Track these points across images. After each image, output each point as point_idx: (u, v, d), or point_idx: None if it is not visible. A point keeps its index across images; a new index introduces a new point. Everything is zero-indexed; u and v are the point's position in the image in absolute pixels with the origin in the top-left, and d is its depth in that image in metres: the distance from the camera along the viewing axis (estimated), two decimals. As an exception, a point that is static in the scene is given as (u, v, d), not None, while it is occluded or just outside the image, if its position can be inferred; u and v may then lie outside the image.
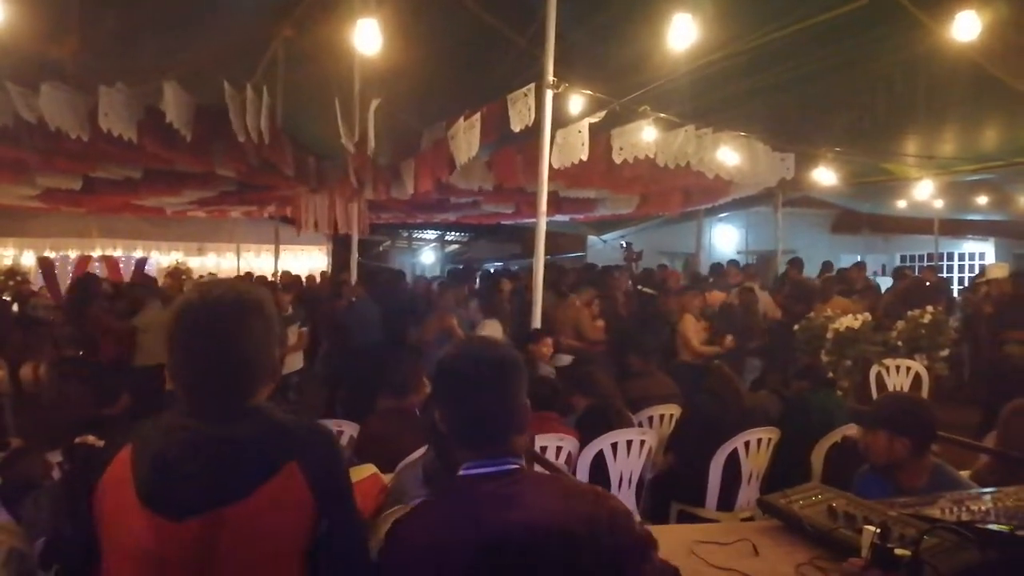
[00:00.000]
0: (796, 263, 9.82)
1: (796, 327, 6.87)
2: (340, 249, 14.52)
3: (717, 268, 10.25)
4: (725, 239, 15.59)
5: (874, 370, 6.43)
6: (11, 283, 13.51)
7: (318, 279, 13.24)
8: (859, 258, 15.42)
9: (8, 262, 13.77)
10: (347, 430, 4.62)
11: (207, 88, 5.80)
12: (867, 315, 6.68)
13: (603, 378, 4.80)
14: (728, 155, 6.32)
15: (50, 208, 10.46)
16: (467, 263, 22.47)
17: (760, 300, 8.33)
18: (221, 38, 7.51)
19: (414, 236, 26.87)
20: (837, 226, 15.91)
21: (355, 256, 8.41)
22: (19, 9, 3.61)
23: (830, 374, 5.87)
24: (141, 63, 6.68)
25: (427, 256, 27.95)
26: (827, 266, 10.42)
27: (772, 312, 8.22)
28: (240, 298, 1.54)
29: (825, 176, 7.51)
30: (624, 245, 14.91)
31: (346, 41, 6.47)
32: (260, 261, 14.49)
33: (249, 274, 12.05)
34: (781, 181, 7.41)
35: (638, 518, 1.80)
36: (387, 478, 3.50)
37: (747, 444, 4.38)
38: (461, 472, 1.64)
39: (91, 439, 2.79)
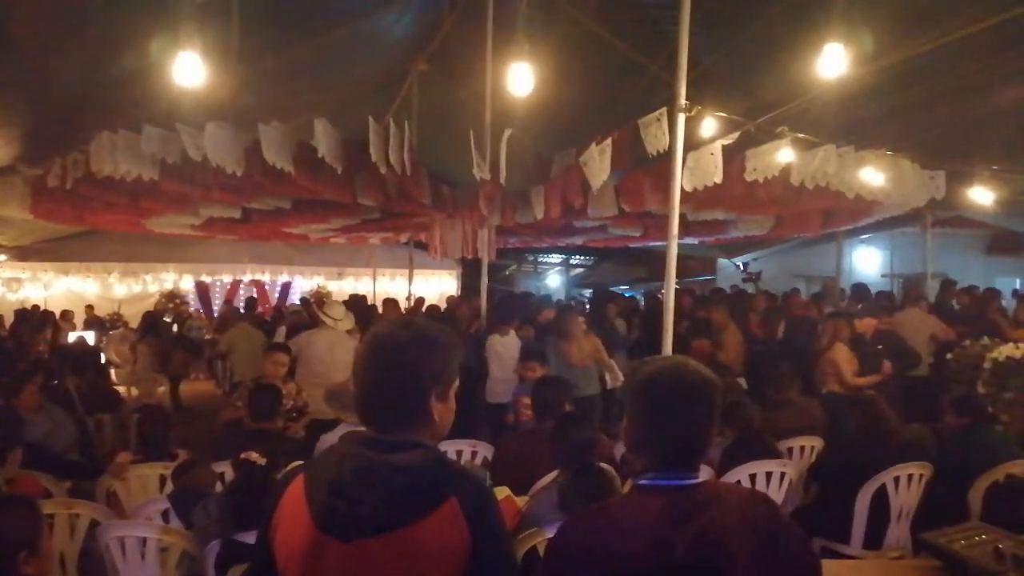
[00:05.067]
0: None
1: (949, 355, 6.43)
2: (469, 274, 14.88)
3: (860, 289, 9.78)
4: (867, 262, 14.77)
5: (1040, 404, 5.91)
6: (171, 305, 14.72)
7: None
8: (1018, 282, 14.29)
9: (169, 286, 15.00)
10: (481, 451, 4.74)
11: (348, 122, 6.14)
12: (1030, 343, 6.17)
13: (750, 410, 4.68)
14: (872, 174, 6.03)
15: (207, 236, 11.33)
16: (591, 287, 22.49)
17: (927, 323, 7.86)
18: (361, 74, 7.96)
19: (539, 260, 27.16)
20: (992, 247, 14.75)
21: (485, 281, 8.57)
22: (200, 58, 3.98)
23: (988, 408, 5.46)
24: (292, 101, 7.17)
25: (552, 280, 28.16)
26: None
27: (943, 334, 7.70)
28: (413, 334, 1.64)
29: (981, 195, 7.02)
30: (741, 266, 14.49)
31: (477, 72, 6.72)
32: (395, 285, 15.03)
33: (421, 300, 12.57)
34: (930, 201, 7.00)
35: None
36: (521, 500, 3.57)
37: (897, 480, 4.14)
38: (643, 482, 1.69)
39: (254, 455, 3.03)
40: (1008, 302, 9.59)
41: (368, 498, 1.51)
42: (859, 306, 8.67)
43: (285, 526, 1.59)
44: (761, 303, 9.46)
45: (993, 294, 8.92)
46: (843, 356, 6.62)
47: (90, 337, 11.61)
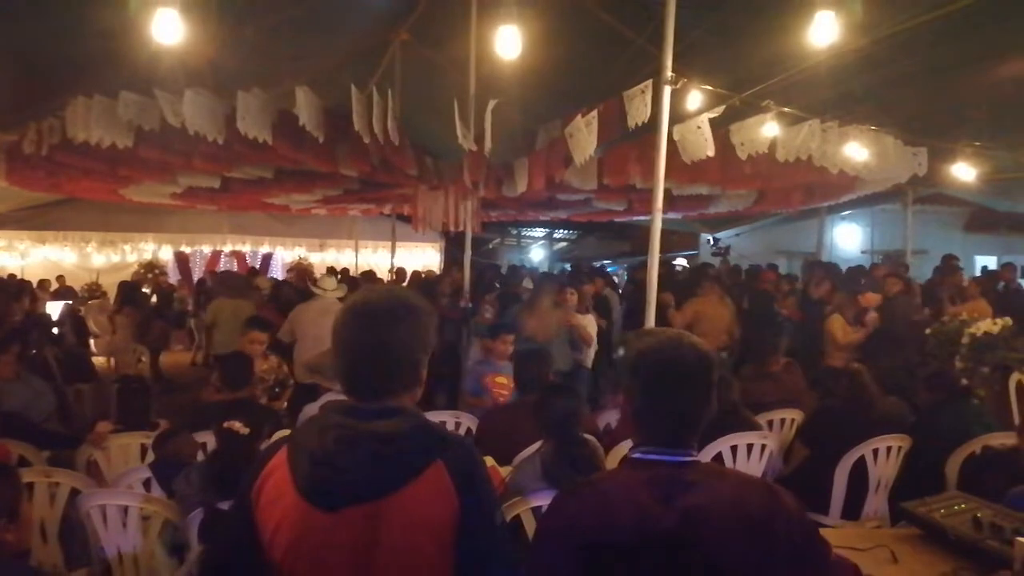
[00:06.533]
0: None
1: (928, 331, 6.52)
2: (452, 246, 14.81)
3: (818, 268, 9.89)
4: (848, 238, 14.90)
5: (1014, 379, 6.00)
6: (150, 276, 14.54)
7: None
8: (995, 259, 14.44)
9: (148, 256, 14.81)
10: (465, 422, 4.74)
11: (331, 91, 6.04)
12: (1007, 319, 6.26)
13: (731, 384, 4.69)
14: (855, 150, 6.04)
15: (186, 206, 11.16)
16: (575, 260, 22.52)
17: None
18: (343, 43, 7.84)
19: (522, 234, 27.13)
20: (971, 224, 14.89)
21: (468, 254, 8.53)
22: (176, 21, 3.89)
23: (963, 381, 5.54)
24: (273, 68, 7.06)
25: (535, 253, 28.15)
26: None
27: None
28: (392, 301, 1.62)
29: (963, 172, 7.05)
30: (711, 241, 14.60)
31: (460, 43, 6.65)
32: (377, 257, 14.94)
33: (402, 272, 12.48)
34: (912, 177, 7.03)
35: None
36: (504, 471, 3.58)
37: (875, 451, 4.20)
38: (636, 455, 1.68)
39: (237, 425, 3.02)
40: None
41: (352, 467, 1.50)
42: (862, 281, 8.72)
43: (269, 497, 1.57)
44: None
45: (951, 270, 9.07)
46: (837, 326, 6.79)
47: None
